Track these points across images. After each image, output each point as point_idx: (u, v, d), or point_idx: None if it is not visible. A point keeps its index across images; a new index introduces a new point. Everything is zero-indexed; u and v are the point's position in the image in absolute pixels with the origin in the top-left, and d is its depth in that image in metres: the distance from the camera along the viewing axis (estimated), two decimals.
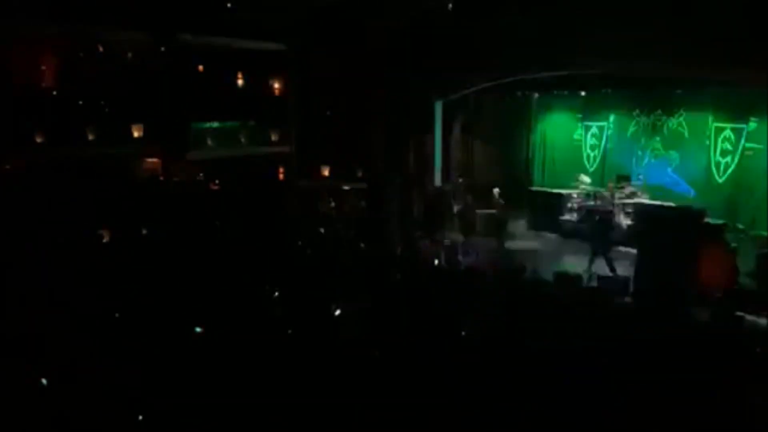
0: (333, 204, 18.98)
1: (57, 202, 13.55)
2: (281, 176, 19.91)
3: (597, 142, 18.76)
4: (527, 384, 6.15)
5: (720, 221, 13.72)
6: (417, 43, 17.52)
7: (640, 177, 16.94)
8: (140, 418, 5.79)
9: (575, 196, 17.19)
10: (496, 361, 6.77)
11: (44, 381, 6.34)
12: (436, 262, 13.50)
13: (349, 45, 17.46)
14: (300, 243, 14.02)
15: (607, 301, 10.41)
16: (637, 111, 17.55)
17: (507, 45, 15.75)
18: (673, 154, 16.71)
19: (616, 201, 15.97)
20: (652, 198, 15.85)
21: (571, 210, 17.10)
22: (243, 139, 18.29)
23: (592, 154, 18.91)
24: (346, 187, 19.02)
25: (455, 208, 18.20)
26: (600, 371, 6.53)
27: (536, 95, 19.89)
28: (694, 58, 12.82)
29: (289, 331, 7.78)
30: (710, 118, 15.84)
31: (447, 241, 15.39)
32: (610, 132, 18.36)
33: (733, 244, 12.75)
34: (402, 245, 15.16)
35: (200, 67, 19.16)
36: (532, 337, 7.51)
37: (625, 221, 15.53)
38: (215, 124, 17.77)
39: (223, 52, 18.05)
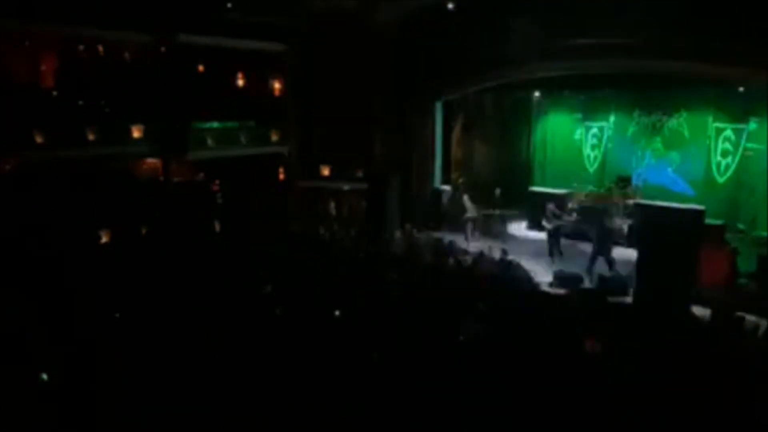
0: (333, 204, 18.99)
1: (57, 202, 13.54)
2: (281, 176, 19.90)
3: (597, 142, 18.77)
4: (524, 385, 6.14)
5: (720, 221, 13.72)
6: (417, 43, 17.55)
7: (640, 177, 16.98)
8: (140, 418, 5.78)
9: (575, 196, 17.16)
10: (493, 360, 6.76)
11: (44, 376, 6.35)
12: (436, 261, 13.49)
13: (350, 45, 17.44)
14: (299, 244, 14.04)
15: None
16: (638, 111, 17.56)
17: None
18: (674, 155, 16.72)
19: (617, 201, 15.98)
20: (652, 198, 15.85)
21: (571, 210, 17.07)
22: (243, 139, 18.29)
23: (592, 154, 18.91)
24: (346, 187, 19.02)
25: (455, 208, 18.20)
26: (599, 371, 6.53)
27: (536, 95, 19.90)
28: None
29: (289, 332, 7.77)
30: (710, 119, 15.85)
31: (446, 241, 15.39)
32: (610, 132, 18.37)
33: (734, 244, 12.75)
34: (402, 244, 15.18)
35: (200, 67, 19.16)
36: (530, 337, 7.50)
37: (625, 221, 15.52)
38: (215, 124, 17.76)
39: (223, 52, 18.04)
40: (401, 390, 6.12)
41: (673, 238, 11.09)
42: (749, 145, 15.00)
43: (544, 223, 14.85)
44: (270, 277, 10.33)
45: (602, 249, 13.54)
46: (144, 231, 14.93)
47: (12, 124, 13.49)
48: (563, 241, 15.52)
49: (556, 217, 14.69)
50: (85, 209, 14.01)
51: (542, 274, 13.35)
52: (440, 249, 14.66)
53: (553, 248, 14.65)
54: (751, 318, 10.12)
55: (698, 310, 10.42)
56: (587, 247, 14.23)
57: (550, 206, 14.91)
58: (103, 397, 6.05)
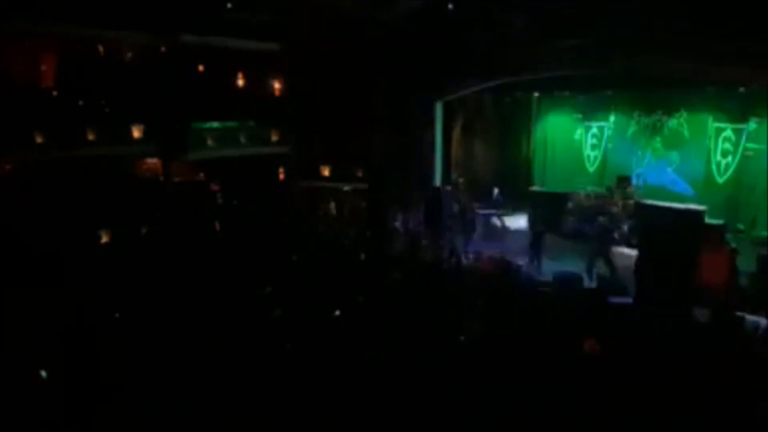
0: (333, 204, 18.99)
1: (57, 202, 13.54)
2: (281, 176, 19.91)
3: (597, 142, 18.77)
4: (524, 385, 6.14)
5: (720, 221, 13.71)
6: (417, 43, 17.53)
7: (640, 177, 16.98)
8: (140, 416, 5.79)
9: (575, 196, 17.15)
10: (493, 360, 6.76)
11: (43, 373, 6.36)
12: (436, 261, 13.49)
13: (350, 45, 17.45)
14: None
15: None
16: (638, 111, 17.55)
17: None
18: (674, 155, 16.71)
19: (617, 201, 15.98)
20: (652, 198, 15.82)
21: (571, 210, 17.07)
22: (243, 139, 18.30)
23: (592, 155, 18.90)
24: (346, 187, 19.02)
25: (455, 208, 18.18)
26: (600, 371, 6.53)
27: (536, 95, 19.89)
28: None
29: (289, 333, 7.77)
30: (710, 119, 15.84)
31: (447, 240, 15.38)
32: (610, 132, 18.36)
33: (733, 244, 12.73)
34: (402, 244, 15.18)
35: (200, 67, 19.17)
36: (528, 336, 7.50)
37: (625, 222, 15.51)
38: (215, 124, 17.77)
39: (223, 52, 18.05)
40: (401, 390, 6.12)
41: (673, 238, 11.07)
42: (749, 145, 14.98)
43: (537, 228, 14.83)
44: (270, 278, 10.33)
45: (602, 249, 13.54)
46: (144, 231, 14.93)
47: (12, 124, 13.49)
48: (564, 241, 15.52)
49: (544, 222, 14.74)
50: (85, 209, 14.01)
51: (542, 274, 13.34)
52: (440, 249, 14.65)
53: (535, 252, 14.36)
54: (751, 318, 10.12)
55: (698, 310, 10.40)
56: (587, 248, 14.21)
57: (538, 211, 14.99)
58: (103, 397, 6.05)
